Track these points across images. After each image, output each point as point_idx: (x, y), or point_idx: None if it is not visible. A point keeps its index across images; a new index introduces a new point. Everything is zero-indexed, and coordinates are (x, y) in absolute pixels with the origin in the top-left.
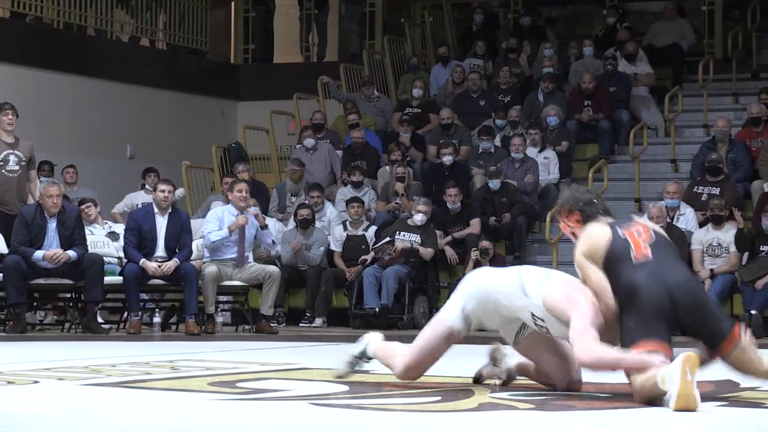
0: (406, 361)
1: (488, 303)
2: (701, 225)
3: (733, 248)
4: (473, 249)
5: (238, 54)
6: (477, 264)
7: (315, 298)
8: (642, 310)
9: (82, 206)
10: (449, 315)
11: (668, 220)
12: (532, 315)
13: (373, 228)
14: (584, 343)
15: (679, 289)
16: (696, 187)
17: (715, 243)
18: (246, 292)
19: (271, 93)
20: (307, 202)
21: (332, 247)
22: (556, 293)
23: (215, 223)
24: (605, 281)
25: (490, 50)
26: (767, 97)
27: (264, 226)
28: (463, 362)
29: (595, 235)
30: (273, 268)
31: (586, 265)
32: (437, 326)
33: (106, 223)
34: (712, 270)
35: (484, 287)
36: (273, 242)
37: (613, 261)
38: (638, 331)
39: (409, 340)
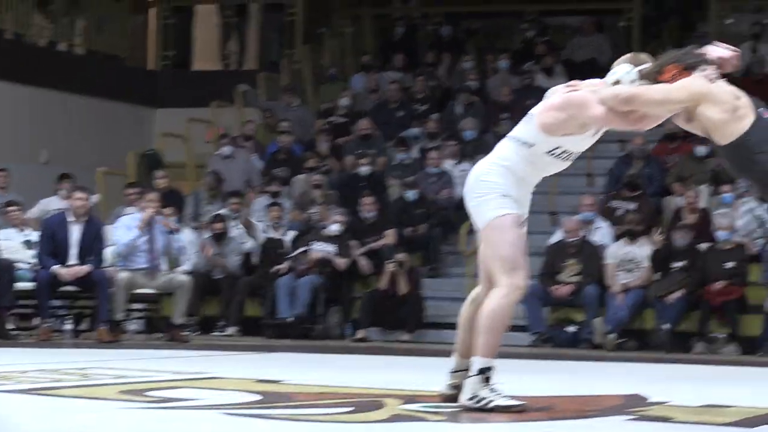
0: (504, 271)
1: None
2: (616, 239)
3: (646, 263)
4: (389, 261)
5: (157, 60)
6: (392, 276)
7: (228, 307)
8: None
9: (9, 209)
10: (499, 209)
11: (583, 233)
12: (549, 153)
13: (291, 232)
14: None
15: None
16: (611, 202)
17: (628, 258)
18: (159, 300)
19: (189, 100)
20: (222, 212)
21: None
22: (548, 116)
23: (125, 229)
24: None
25: (410, 61)
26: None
27: (172, 230)
28: (375, 374)
29: (722, 83)
30: (184, 277)
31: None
32: (501, 224)
33: (23, 230)
34: (625, 284)
35: (494, 165)
36: (182, 247)
37: (759, 136)
38: None
39: (321, 350)
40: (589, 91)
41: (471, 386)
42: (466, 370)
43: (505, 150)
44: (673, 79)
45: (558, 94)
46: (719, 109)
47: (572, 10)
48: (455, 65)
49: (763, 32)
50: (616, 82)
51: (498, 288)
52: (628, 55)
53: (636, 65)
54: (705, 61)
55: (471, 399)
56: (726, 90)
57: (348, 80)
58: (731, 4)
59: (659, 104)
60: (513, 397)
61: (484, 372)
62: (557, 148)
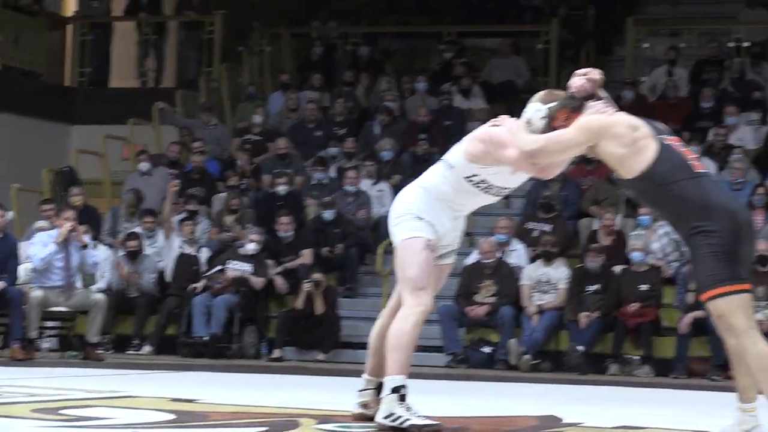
0: (411, 291)
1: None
2: (531, 261)
3: (562, 285)
4: (305, 281)
5: (74, 77)
6: (308, 296)
7: (143, 326)
8: (726, 239)
9: None
10: (412, 231)
11: (499, 255)
12: (467, 179)
13: (206, 249)
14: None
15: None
16: (527, 223)
17: (544, 279)
18: (73, 318)
19: (106, 117)
20: (137, 230)
21: (162, 271)
22: (471, 144)
23: (40, 245)
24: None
25: (328, 81)
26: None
27: (84, 246)
28: (290, 394)
29: (618, 115)
30: (99, 295)
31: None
32: (411, 246)
33: None
34: (540, 306)
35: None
36: (95, 263)
37: (666, 167)
38: (731, 268)
39: (236, 369)
40: (509, 131)
41: (386, 405)
42: (374, 389)
43: (431, 172)
44: (566, 123)
45: (485, 125)
46: (618, 143)
47: (490, 32)
48: (373, 85)
49: (678, 57)
50: (528, 122)
51: (404, 307)
52: (542, 93)
53: (548, 103)
54: (573, 98)
55: (387, 417)
56: (623, 123)
57: (266, 99)
58: (647, 29)
59: (562, 152)
60: (428, 417)
61: (398, 390)
62: (475, 175)
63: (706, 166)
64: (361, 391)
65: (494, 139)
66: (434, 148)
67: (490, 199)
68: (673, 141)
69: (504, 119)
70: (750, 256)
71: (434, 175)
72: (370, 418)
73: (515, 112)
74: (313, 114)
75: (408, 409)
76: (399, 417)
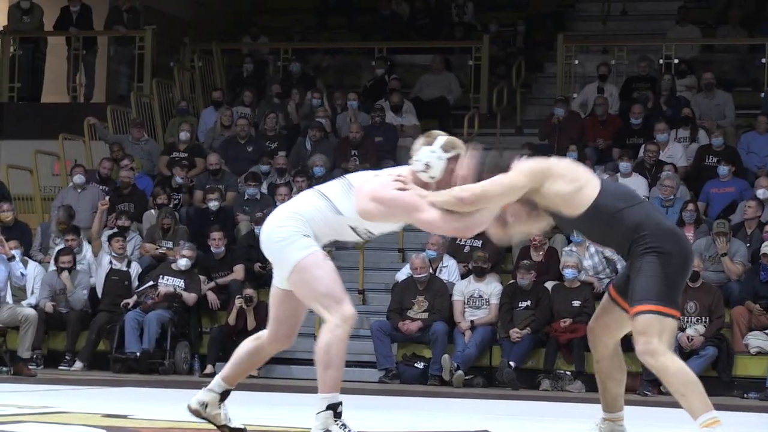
0: (327, 307)
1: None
2: (463, 276)
3: (494, 300)
4: (237, 296)
5: (3, 92)
6: (240, 311)
7: (75, 342)
8: (677, 264)
9: None
10: (304, 249)
11: (431, 271)
12: (351, 227)
13: (136, 264)
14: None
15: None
16: (459, 240)
17: (476, 295)
18: (4, 333)
19: (37, 132)
20: (64, 246)
21: (92, 286)
22: (370, 205)
23: None
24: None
25: (260, 96)
26: (531, 152)
27: (11, 258)
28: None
29: (553, 159)
30: (30, 311)
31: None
32: (310, 263)
33: None
34: (472, 321)
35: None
36: (22, 275)
37: (612, 197)
38: (672, 292)
39: (168, 385)
40: (416, 193)
41: (322, 421)
42: (220, 394)
43: (307, 205)
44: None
45: (384, 185)
46: (563, 181)
47: (421, 48)
48: (304, 101)
49: (608, 73)
50: (427, 165)
51: (327, 323)
52: (421, 137)
53: (430, 144)
54: (508, 159)
55: None
56: (563, 163)
57: (198, 115)
58: (578, 45)
59: (505, 195)
60: None
61: (335, 408)
62: (365, 228)
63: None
64: (208, 389)
65: (403, 205)
66: (366, 164)
67: (361, 239)
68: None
69: (406, 177)
70: (684, 283)
71: (313, 211)
72: (204, 419)
73: (447, 127)
74: (244, 130)
75: (343, 426)
76: None
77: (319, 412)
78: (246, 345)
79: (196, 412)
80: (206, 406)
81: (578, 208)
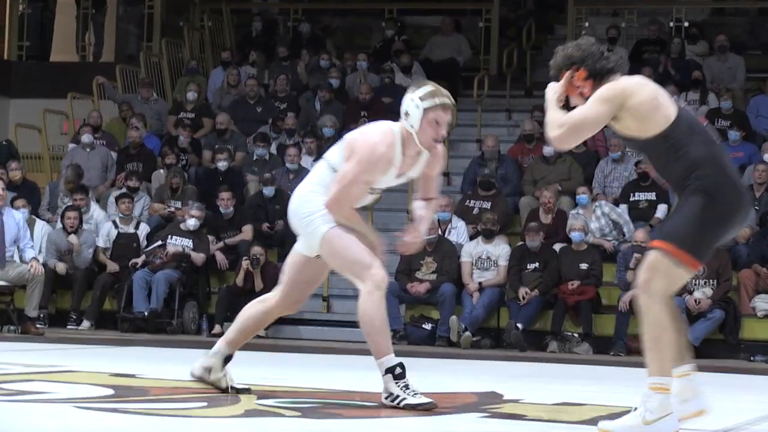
0: (358, 274)
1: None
2: (472, 238)
3: (502, 262)
4: (245, 258)
5: (12, 51)
6: (248, 273)
7: (81, 301)
8: (721, 213)
9: None
10: (328, 224)
11: (440, 232)
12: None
13: (145, 225)
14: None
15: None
16: (468, 201)
17: (484, 256)
18: (11, 292)
19: (45, 91)
20: (72, 204)
21: (99, 244)
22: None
23: None
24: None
25: (269, 57)
26: (540, 114)
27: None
28: (230, 369)
29: (654, 92)
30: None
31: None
32: (333, 235)
33: None
34: (480, 283)
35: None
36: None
37: (685, 127)
38: (701, 244)
39: (176, 344)
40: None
41: (385, 385)
42: (224, 358)
43: (322, 176)
44: (578, 88)
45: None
46: (640, 96)
47: (431, 10)
48: (314, 62)
49: (618, 36)
50: (406, 113)
51: (361, 291)
52: (410, 86)
53: (412, 92)
54: (613, 71)
55: (387, 398)
56: (636, 78)
57: (207, 74)
58: (588, 8)
59: (592, 129)
60: (423, 395)
61: (392, 370)
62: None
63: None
64: (211, 354)
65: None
66: None
67: (371, 197)
68: (685, 106)
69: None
70: (726, 242)
71: (323, 177)
72: (209, 384)
73: (456, 89)
74: (253, 90)
75: (406, 387)
76: (397, 397)
77: (382, 377)
78: (250, 308)
79: (199, 378)
80: (210, 371)
81: (653, 128)
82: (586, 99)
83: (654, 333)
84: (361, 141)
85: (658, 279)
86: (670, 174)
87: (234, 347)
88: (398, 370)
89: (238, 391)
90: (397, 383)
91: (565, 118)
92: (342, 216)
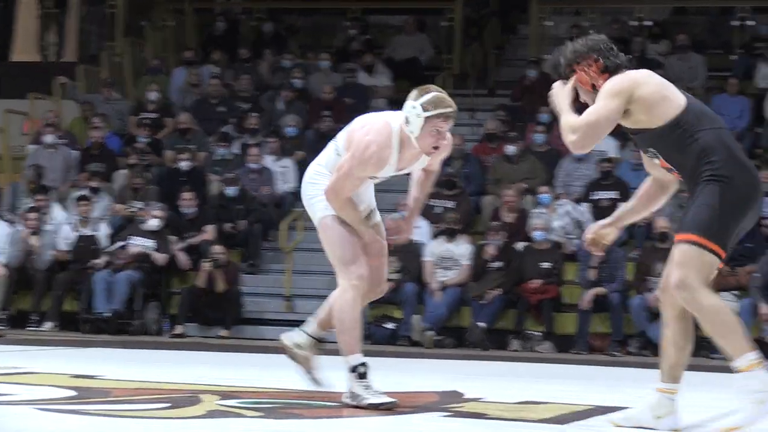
0: (339, 269)
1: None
2: (434, 237)
3: (465, 261)
4: (205, 260)
5: None
6: (210, 274)
7: (41, 301)
8: (738, 198)
9: None
10: (324, 210)
11: None
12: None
13: (105, 227)
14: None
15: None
16: (430, 200)
17: (447, 256)
18: None
19: (6, 91)
20: (33, 205)
21: (59, 246)
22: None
23: None
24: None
25: (232, 57)
26: (503, 113)
27: None
28: (192, 370)
29: (660, 82)
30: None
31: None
32: (325, 225)
33: None
34: (443, 282)
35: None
36: None
37: (695, 114)
38: (725, 231)
39: (138, 345)
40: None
41: (348, 383)
42: (315, 339)
43: (327, 155)
44: (588, 80)
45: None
46: (648, 87)
47: (394, 9)
48: (277, 62)
49: (581, 35)
50: (406, 120)
51: (339, 286)
52: (415, 90)
53: (415, 98)
54: (624, 66)
55: (348, 397)
56: (644, 71)
57: (170, 74)
58: (551, 7)
59: (608, 126)
60: (385, 394)
61: (355, 369)
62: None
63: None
64: (302, 330)
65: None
66: (338, 124)
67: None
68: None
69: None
70: (745, 229)
71: (330, 158)
72: (293, 357)
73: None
74: (216, 90)
75: (367, 387)
76: (358, 396)
77: (346, 376)
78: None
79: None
80: (299, 347)
81: (663, 117)
82: (597, 92)
83: (714, 319)
84: (358, 135)
85: (692, 272)
86: (684, 163)
87: (322, 329)
88: (361, 369)
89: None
90: (360, 382)
91: (579, 122)
92: (338, 205)
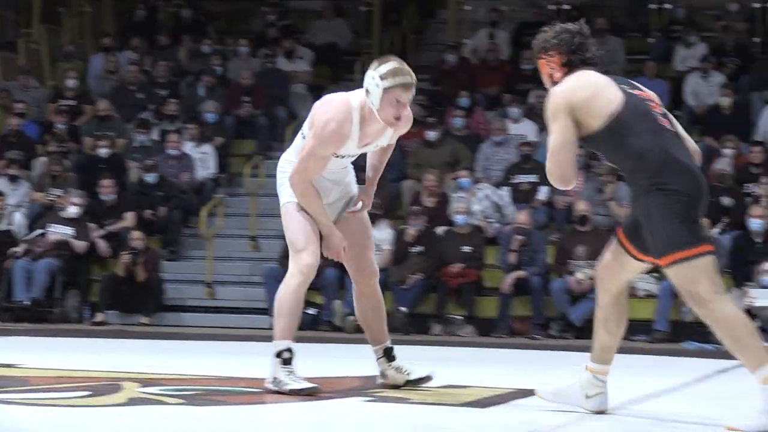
0: (291, 255)
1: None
2: None
3: (385, 246)
4: (124, 252)
5: None
6: (128, 266)
7: None
8: (686, 201)
9: None
10: (287, 197)
11: None
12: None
13: (20, 217)
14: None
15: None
16: None
17: None
18: None
19: None
20: None
21: None
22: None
23: None
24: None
25: (150, 43)
26: (423, 98)
27: None
28: (113, 358)
29: (590, 81)
30: None
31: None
32: (286, 212)
33: None
34: None
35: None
36: None
37: (630, 118)
38: (693, 230)
39: (59, 333)
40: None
41: (271, 369)
42: (382, 357)
43: (295, 143)
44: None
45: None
46: (582, 89)
47: None
48: (196, 48)
49: (500, 19)
50: (367, 90)
51: (288, 272)
52: (374, 62)
53: (374, 68)
54: (585, 64)
55: (271, 382)
56: (578, 73)
57: (87, 61)
58: None
59: (569, 150)
60: (307, 380)
61: (280, 355)
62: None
63: (670, 123)
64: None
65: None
66: (257, 110)
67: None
68: (639, 93)
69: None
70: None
71: (297, 146)
72: (389, 386)
73: (338, 73)
74: (134, 76)
75: (290, 373)
76: (280, 382)
77: (272, 359)
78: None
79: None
80: (384, 375)
81: (597, 118)
82: (555, 84)
83: (728, 332)
84: (318, 114)
85: (696, 285)
86: (621, 164)
87: (380, 342)
88: (286, 355)
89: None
90: (283, 368)
91: (547, 159)
92: (301, 190)
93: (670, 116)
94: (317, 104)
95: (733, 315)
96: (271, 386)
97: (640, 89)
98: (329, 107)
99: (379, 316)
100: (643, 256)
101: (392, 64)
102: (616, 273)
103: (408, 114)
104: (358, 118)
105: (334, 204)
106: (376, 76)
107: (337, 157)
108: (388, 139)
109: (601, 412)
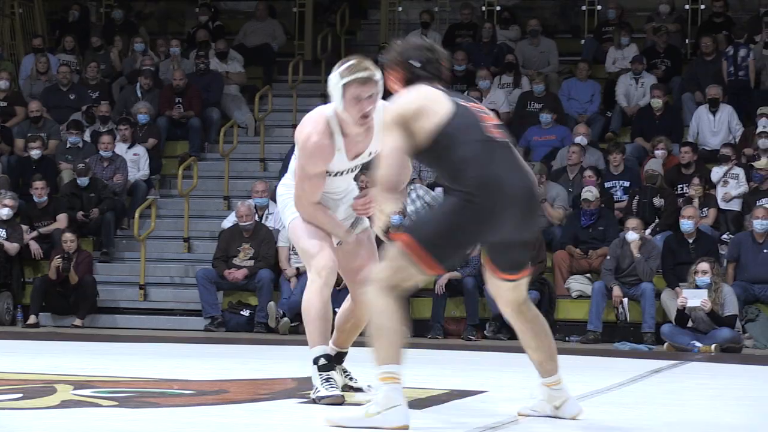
0: (306, 264)
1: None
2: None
3: None
4: (56, 257)
5: None
6: (59, 270)
7: None
8: (477, 218)
9: None
10: (293, 214)
11: (257, 218)
12: None
13: None
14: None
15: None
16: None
17: None
18: None
19: None
20: None
21: None
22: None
23: None
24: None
25: (83, 44)
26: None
27: None
28: (46, 360)
29: (419, 95)
30: None
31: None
32: (294, 226)
33: None
34: (298, 269)
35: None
36: None
37: (455, 129)
38: (449, 245)
39: None
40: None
41: (311, 375)
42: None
43: (291, 164)
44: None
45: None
46: (413, 108)
47: None
48: (128, 49)
49: (431, 21)
50: (332, 94)
51: (308, 279)
52: (339, 62)
53: (337, 69)
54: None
55: (312, 390)
56: (414, 91)
57: (18, 62)
58: None
59: (400, 159)
60: (335, 388)
61: (316, 361)
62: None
63: (505, 135)
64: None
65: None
66: (190, 111)
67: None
68: (471, 105)
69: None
70: (491, 239)
71: (293, 167)
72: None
73: (271, 75)
74: (66, 77)
75: (326, 380)
76: (314, 388)
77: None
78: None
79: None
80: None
81: (425, 130)
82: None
83: (377, 322)
84: (298, 134)
85: (388, 270)
86: (446, 175)
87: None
88: (321, 362)
89: (353, 389)
90: (320, 375)
91: (380, 163)
92: (308, 215)
93: (504, 129)
94: (299, 125)
95: (386, 309)
96: (312, 395)
97: (473, 102)
98: (306, 123)
99: (356, 327)
100: (506, 275)
101: (351, 61)
102: (497, 294)
103: (379, 108)
104: (336, 126)
105: (343, 222)
106: (336, 75)
107: (334, 175)
108: (377, 145)
109: (579, 413)
